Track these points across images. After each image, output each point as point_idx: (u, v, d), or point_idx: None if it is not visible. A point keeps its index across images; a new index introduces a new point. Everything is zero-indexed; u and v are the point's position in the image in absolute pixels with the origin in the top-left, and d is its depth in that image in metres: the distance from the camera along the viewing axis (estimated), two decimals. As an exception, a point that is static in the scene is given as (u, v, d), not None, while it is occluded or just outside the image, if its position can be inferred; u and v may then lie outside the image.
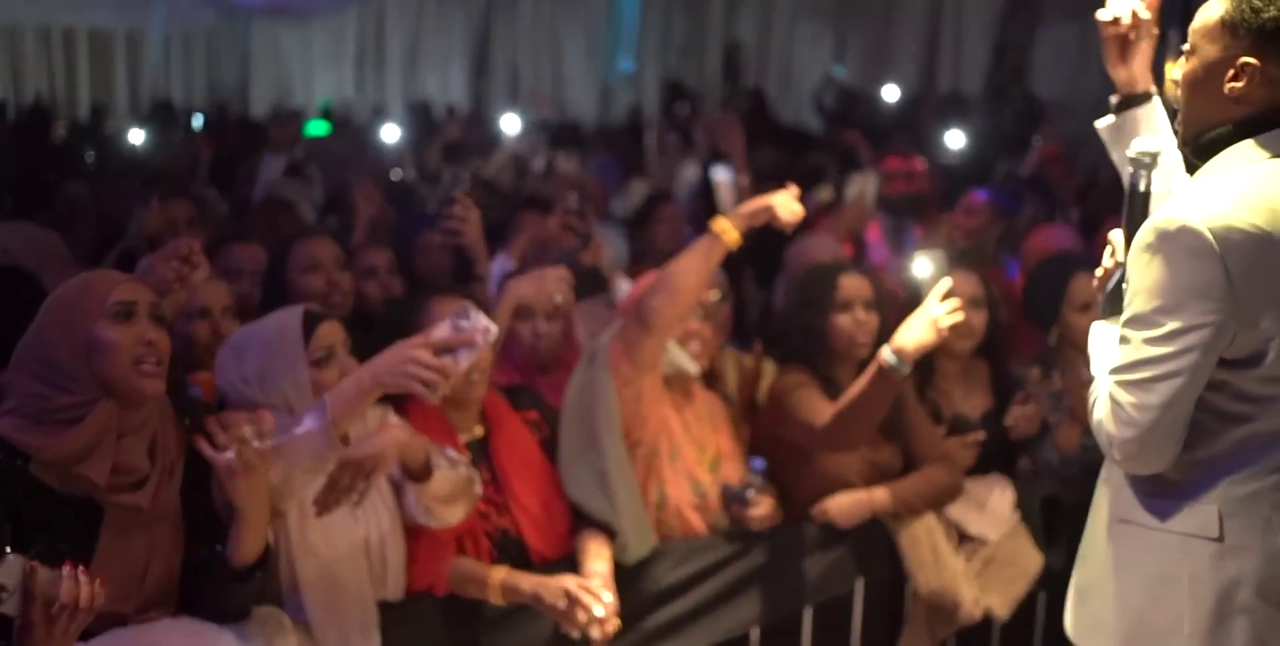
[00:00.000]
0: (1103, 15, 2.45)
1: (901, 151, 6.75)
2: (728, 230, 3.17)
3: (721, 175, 7.77)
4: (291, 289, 3.41)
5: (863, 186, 4.88)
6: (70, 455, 2.27)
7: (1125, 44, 2.46)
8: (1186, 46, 2.11)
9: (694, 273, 3.16)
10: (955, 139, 7.06)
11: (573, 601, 2.87)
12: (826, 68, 10.51)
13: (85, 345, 2.30)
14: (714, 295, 3.50)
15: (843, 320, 3.48)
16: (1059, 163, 6.69)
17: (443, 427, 3.05)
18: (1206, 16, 2.10)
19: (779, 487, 3.41)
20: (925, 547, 3.45)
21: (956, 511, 3.56)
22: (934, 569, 3.43)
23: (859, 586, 3.48)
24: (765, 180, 6.11)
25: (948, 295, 3.13)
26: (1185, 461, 2.08)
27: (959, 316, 3.15)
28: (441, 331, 2.47)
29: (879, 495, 3.42)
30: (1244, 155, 2.07)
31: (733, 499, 3.31)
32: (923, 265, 3.43)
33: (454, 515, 2.83)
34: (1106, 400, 2.11)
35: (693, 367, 3.34)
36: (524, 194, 5.76)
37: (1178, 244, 1.99)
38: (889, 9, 10.29)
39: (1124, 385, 2.07)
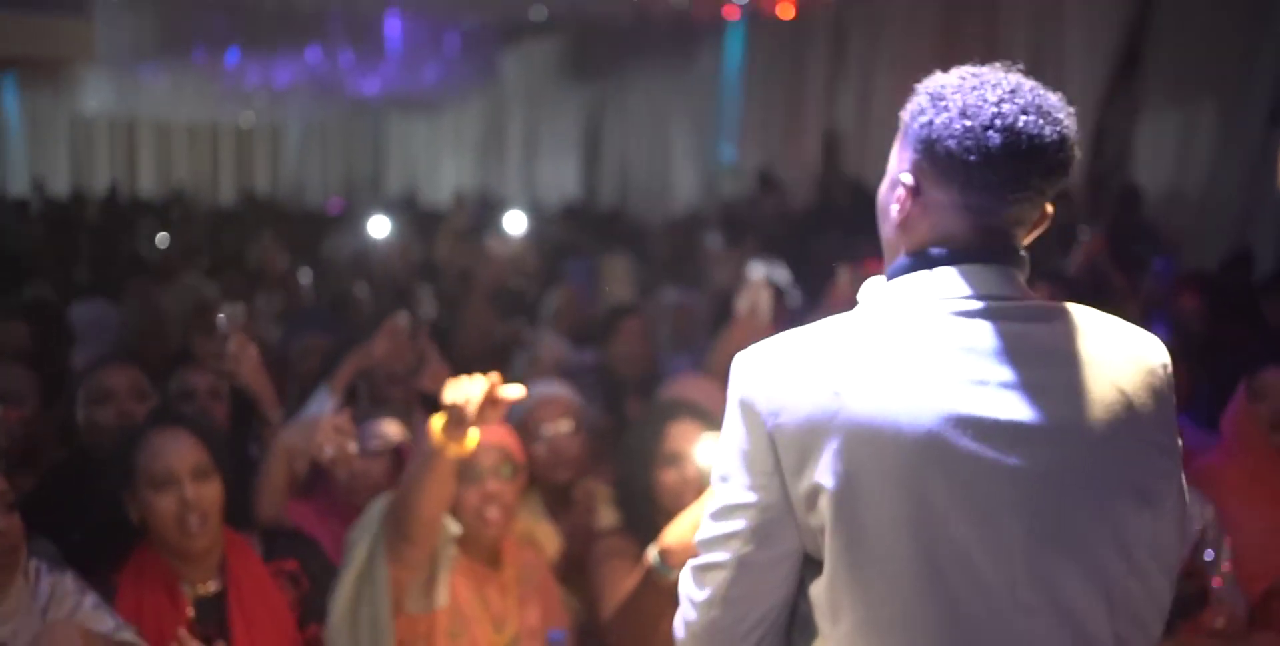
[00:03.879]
0: None
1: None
2: (446, 444, 2.62)
3: (758, 274, 7.37)
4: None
5: (755, 297, 4.03)
6: None
7: None
8: None
9: (426, 495, 2.68)
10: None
11: None
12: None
13: None
14: (499, 464, 2.92)
15: (669, 476, 2.93)
16: (1106, 259, 5.99)
17: (163, 580, 2.72)
18: None
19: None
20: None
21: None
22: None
23: None
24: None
25: None
26: None
27: None
28: None
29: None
30: (890, 295, 1.60)
31: None
32: None
33: None
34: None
35: (454, 529, 2.89)
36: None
37: (735, 393, 1.57)
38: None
39: (689, 570, 1.62)
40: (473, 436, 2.65)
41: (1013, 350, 1.49)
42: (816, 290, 6.27)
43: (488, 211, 10.05)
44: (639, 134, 12.93)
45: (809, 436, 1.48)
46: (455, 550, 2.83)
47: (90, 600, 2.55)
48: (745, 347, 4.45)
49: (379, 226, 6.99)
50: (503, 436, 2.95)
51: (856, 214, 9.63)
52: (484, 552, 2.92)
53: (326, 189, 16.02)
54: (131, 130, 16.28)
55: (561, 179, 13.69)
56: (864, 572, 1.47)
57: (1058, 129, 1.49)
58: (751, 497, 1.53)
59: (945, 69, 1.59)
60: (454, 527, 2.87)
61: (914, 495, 1.45)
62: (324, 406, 3.34)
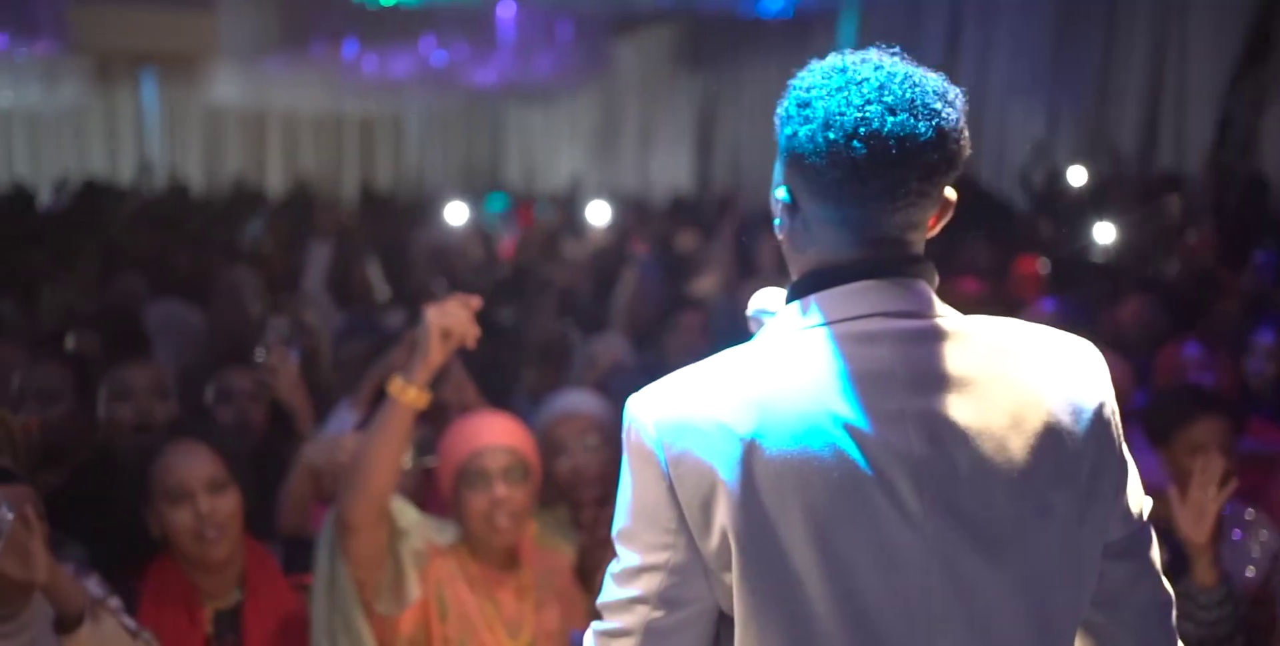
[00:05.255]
0: None
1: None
2: (404, 389, 2.56)
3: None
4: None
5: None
6: None
7: None
8: None
9: (383, 457, 2.56)
10: (1104, 232, 6.19)
11: None
12: (1037, 143, 9.66)
13: None
14: (508, 467, 2.81)
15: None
16: (1211, 258, 5.68)
17: (182, 593, 2.74)
18: None
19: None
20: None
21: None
22: None
23: None
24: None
25: None
26: None
27: None
28: None
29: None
30: (783, 322, 1.48)
31: None
32: None
33: None
34: None
35: (447, 536, 2.84)
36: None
37: (628, 439, 1.44)
38: (1105, 82, 9.34)
39: (592, 635, 1.51)
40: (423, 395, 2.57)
41: (920, 375, 1.38)
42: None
43: (577, 205, 9.98)
44: (752, 124, 12.77)
45: (710, 486, 1.37)
46: (422, 545, 2.74)
47: (113, 603, 2.57)
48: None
49: (458, 218, 6.94)
50: (513, 436, 2.85)
51: (966, 209, 9.35)
52: (497, 556, 2.85)
53: (447, 180, 16.18)
54: (261, 122, 16.67)
55: (674, 170, 13.62)
56: (775, 629, 1.37)
57: (934, 124, 1.37)
58: (657, 558, 1.41)
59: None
60: (450, 532, 2.82)
61: (823, 544, 1.34)
62: (346, 421, 3.32)
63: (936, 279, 1.48)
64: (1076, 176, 8.13)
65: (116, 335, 3.98)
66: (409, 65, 12.91)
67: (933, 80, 1.41)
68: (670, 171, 13.66)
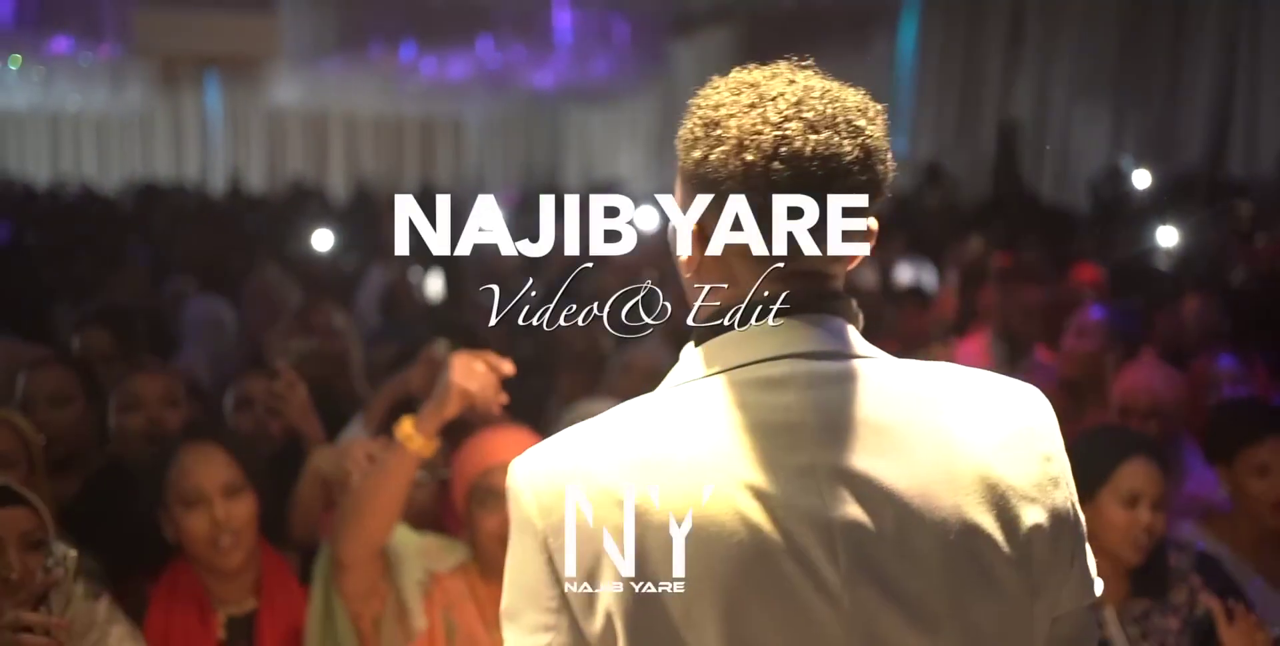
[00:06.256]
0: None
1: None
2: (412, 436, 2.43)
3: (905, 275, 7.01)
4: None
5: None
6: None
7: None
8: None
9: (382, 501, 2.47)
10: (1169, 237, 5.98)
11: None
12: (1107, 150, 9.43)
13: None
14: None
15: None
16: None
17: (195, 598, 2.68)
18: None
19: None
20: None
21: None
22: None
23: None
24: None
25: None
26: None
27: None
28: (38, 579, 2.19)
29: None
30: (682, 369, 1.30)
31: None
32: None
33: None
34: None
35: (456, 556, 2.74)
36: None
37: (509, 507, 1.29)
38: (1174, 84, 9.10)
39: None
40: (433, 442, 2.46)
41: (834, 425, 1.21)
42: (970, 293, 5.96)
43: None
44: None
45: (593, 560, 1.20)
46: (423, 575, 2.65)
47: (116, 631, 2.50)
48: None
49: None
50: None
51: (1027, 212, 9.20)
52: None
53: (507, 182, 16.20)
54: (322, 124, 16.80)
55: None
56: None
57: (859, 141, 1.22)
58: (538, 641, 1.24)
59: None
60: (460, 551, 2.73)
61: (725, 624, 1.17)
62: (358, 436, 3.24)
63: (860, 317, 1.31)
64: (1141, 180, 7.91)
65: (127, 334, 3.87)
66: (467, 67, 12.93)
67: (852, 95, 1.26)
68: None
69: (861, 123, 1.23)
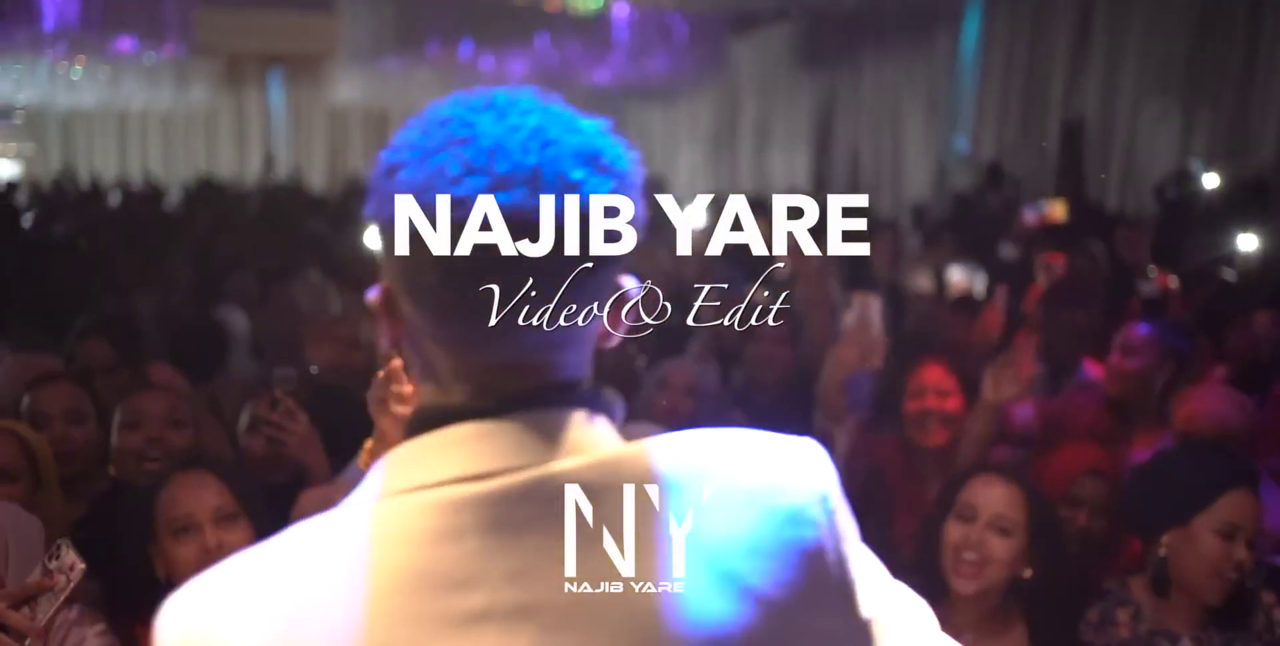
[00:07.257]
0: None
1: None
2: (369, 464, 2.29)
3: (956, 277, 6.80)
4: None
5: (864, 308, 3.62)
6: None
7: None
8: None
9: None
10: (1241, 243, 5.72)
11: None
12: (1176, 152, 9.14)
13: None
14: None
15: None
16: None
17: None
18: None
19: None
20: None
21: None
22: None
23: None
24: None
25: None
26: None
27: None
28: (33, 576, 2.10)
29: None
30: (363, 490, 1.01)
31: None
32: None
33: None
34: None
35: None
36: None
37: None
38: (1245, 82, 8.80)
39: None
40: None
41: (521, 567, 0.93)
42: (1020, 295, 5.75)
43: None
44: (870, 123, 12.43)
45: None
46: None
47: None
48: (853, 364, 3.82)
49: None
50: None
51: (1086, 213, 8.94)
52: None
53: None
54: (383, 121, 16.83)
55: (792, 170, 13.33)
56: None
57: (585, 197, 0.93)
58: None
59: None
60: None
61: None
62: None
63: (610, 403, 1.02)
64: (1211, 183, 7.63)
65: (127, 344, 3.75)
66: (525, 65, 12.88)
67: (589, 130, 0.96)
68: (787, 171, 13.38)
69: (583, 174, 0.94)
